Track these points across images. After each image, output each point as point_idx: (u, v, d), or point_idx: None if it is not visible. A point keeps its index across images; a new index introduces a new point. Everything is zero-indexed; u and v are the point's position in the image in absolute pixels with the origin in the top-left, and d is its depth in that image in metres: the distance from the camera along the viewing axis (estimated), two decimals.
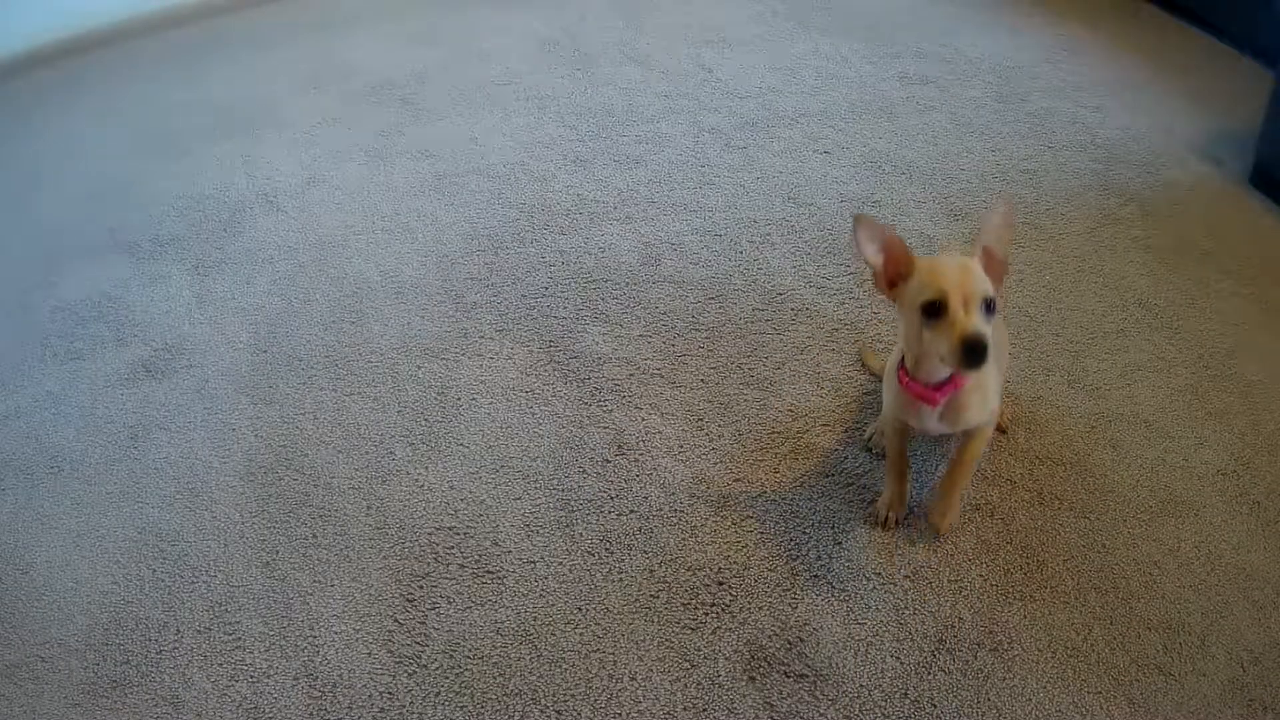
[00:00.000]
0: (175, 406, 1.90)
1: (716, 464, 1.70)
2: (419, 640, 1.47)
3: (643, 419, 1.79)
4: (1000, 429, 1.66)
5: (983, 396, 1.41)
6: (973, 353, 1.20)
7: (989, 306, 1.24)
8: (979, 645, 1.41)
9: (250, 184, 2.53)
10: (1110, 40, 2.90)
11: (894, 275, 1.32)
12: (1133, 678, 1.36)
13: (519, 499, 1.67)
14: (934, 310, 1.24)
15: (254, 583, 1.57)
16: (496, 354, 1.95)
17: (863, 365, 1.86)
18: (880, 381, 1.74)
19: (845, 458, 1.69)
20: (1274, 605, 1.44)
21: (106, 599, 1.57)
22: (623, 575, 1.54)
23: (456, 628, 1.48)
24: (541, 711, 1.37)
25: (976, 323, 1.22)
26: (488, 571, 1.56)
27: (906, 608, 1.46)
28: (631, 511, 1.63)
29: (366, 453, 1.77)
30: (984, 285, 1.24)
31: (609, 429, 1.78)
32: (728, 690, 1.38)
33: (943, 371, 1.34)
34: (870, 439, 1.70)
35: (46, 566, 1.62)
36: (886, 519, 1.56)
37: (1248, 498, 1.59)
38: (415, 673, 1.43)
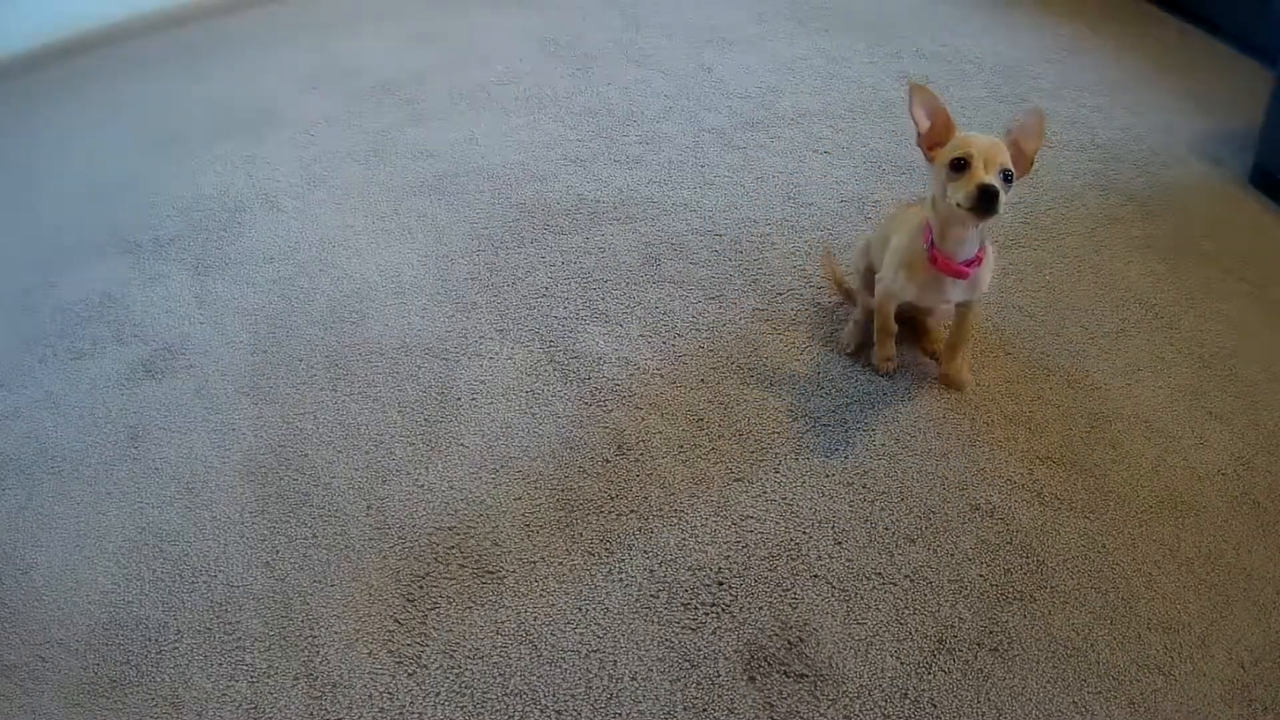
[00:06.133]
0: (175, 406, 1.90)
1: (716, 464, 1.70)
2: (419, 640, 1.47)
3: (643, 419, 1.79)
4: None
5: (989, 268, 1.66)
6: (986, 197, 1.43)
7: (1006, 177, 1.47)
8: (979, 645, 1.41)
9: (250, 184, 2.53)
10: (1110, 40, 2.90)
11: (935, 140, 1.55)
12: (1133, 678, 1.36)
13: (519, 499, 1.67)
14: (959, 166, 1.48)
15: (254, 583, 1.57)
16: (496, 354, 1.95)
17: (828, 271, 2.03)
18: (839, 293, 2.00)
19: (846, 457, 1.69)
20: (1274, 605, 1.44)
21: (106, 599, 1.57)
22: (623, 575, 1.54)
23: (456, 628, 1.48)
24: (541, 712, 1.37)
25: (992, 178, 1.44)
26: (488, 571, 1.56)
27: (906, 608, 1.46)
28: (631, 511, 1.63)
29: (366, 453, 1.77)
30: (1005, 158, 1.47)
31: (609, 429, 1.77)
32: (728, 690, 1.38)
33: (969, 248, 1.58)
34: (846, 343, 1.89)
35: (46, 566, 1.62)
36: (887, 369, 1.83)
37: (1248, 498, 1.59)
38: (415, 673, 1.43)
